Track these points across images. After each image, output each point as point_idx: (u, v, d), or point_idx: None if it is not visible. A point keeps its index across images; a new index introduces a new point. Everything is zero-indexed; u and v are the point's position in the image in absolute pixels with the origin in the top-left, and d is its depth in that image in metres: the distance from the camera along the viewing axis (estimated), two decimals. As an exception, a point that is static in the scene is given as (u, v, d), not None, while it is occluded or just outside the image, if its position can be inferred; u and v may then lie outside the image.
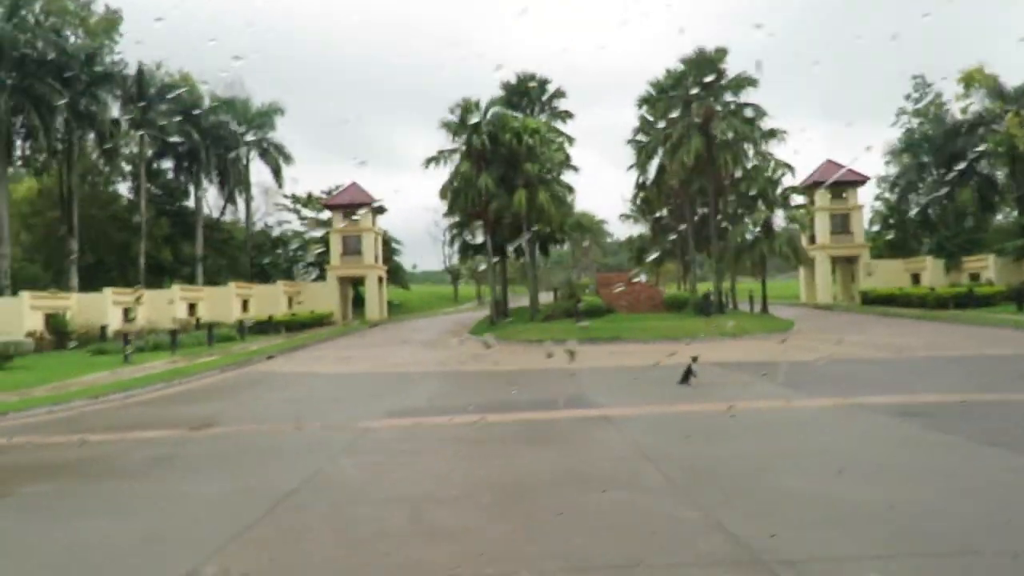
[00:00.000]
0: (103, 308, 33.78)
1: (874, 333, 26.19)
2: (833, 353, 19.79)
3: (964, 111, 43.92)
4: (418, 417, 11.18)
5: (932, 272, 44.69)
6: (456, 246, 37.26)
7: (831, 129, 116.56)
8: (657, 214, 43.05)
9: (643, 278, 35.77)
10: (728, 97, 32.90)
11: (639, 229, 49.78)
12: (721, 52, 31.55)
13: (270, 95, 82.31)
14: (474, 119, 31.41)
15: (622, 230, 70.26)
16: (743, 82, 30.95)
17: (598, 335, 26.13)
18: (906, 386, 13.00)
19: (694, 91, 31.31)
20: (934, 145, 46.26)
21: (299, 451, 8.85)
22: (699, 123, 30.46)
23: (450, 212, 32.95)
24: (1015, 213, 44.41)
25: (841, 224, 48.67)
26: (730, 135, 30.62)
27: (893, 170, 52.00)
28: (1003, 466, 6.72)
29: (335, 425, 10.83)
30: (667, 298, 33.17)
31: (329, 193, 54.53)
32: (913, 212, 50.41)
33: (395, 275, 59.67)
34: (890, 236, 52.03)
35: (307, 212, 58.42)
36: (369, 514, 5.77)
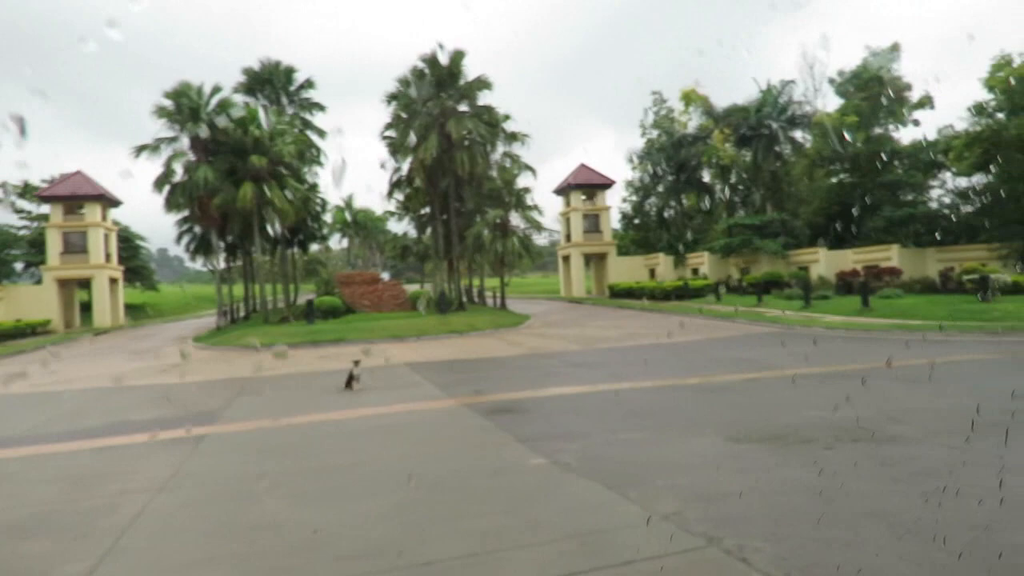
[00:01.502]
0: None
1: (591, 325, 28.27)
2: (535, 347, 20.83)
3: (684, 125, 49.68)
4: (9, 449, 9.38)
5: (664, 267, 50.03)
6: (183, 244, 33.89)
7: (616, 136, 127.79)
8: (421, 211, 43.05)
9: (386, 276, 35.37)
10: (480, 100, 33.56)
11: (405, 226, 49.56)
12: (459, 54, 32.08)
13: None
14: (196, 105, 28.58)
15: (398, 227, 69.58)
16: (480, 85, 31.76)
17: (322, 337, 25.14)
18: (546, 381, 13.72)
19: (435, 91, 31.46)
20: (666, 154, 51.78)
21: None
22: (438, 123, 30.67)
23: (169, 207, 29.68)
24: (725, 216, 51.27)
25: (593, 223, 52.57)
26: (471, 135, 31.25)
27: (637, 175, 57.50)
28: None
29: None
30: (410, 296, 33.10)
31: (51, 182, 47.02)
32: (652, 213, 56.16)
33: (139, 275, 53.46)
34: (634, 234, 57.40)
35: (24, 204, 50.05)
36: None
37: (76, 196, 41.90)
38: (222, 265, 36.28)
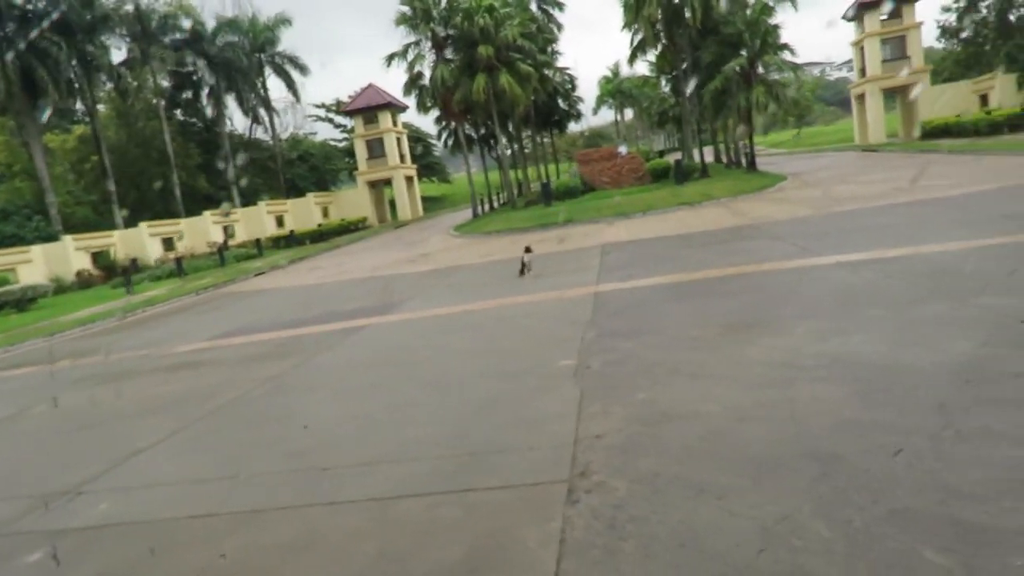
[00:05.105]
0: (142, 241, 37.40)
1: (859, 181, 23.78)
2: (757, 217, 18.58)
3: None
4: (240, 336, 12.25)
5: (1001, 91, 39.01)
6: (442, 140, 36.92)
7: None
8: (673, 72, 39.90)
9: (623, 150, 33.72)
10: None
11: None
12: None
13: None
14: (427, 6, 30.08)
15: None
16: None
17: (552, 220, 25.83)
18: (715, 261, 12.28)
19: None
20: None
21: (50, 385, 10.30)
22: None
23: (420, 109, 32.53)
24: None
25: (897, 48, 43.06)
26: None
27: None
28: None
29: (156, 352, 12.13)
30: (650, 167, 31.49)
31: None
32: (988, 20, 43.14)
33: (433, 170, 60.28)
34: (960, 52, 45.18)
35: (340, 120, 59.54)
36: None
37: (370, 107, 48.28)
38: (475, 157, 39.05)
